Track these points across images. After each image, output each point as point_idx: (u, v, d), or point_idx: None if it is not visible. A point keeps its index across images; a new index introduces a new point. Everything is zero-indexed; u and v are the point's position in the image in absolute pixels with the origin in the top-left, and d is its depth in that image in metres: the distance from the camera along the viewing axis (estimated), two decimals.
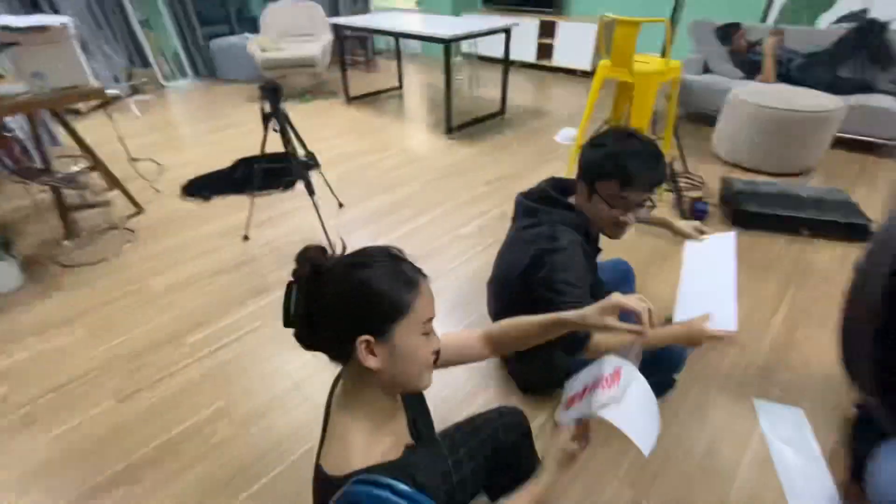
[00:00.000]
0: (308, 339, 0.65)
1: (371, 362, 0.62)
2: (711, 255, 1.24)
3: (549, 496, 0.74)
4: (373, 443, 0.64)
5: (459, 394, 1.47)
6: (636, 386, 0.68)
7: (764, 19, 3.81)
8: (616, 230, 1.17)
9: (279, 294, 0.64)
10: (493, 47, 5.24)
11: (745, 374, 1.51)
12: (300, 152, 2.18)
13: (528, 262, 1.17)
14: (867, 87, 3.05)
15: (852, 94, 2.98)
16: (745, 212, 2.24)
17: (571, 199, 1.22)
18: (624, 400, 0.65)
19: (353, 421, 0.65)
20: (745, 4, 3.88)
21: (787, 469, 1.23)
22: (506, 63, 3.74)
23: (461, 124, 3.66)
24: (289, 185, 2.78)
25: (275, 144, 2.07)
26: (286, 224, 2.42)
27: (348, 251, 0.68)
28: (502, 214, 2.48)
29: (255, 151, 2.19)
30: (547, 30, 5.14)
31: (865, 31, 3.11)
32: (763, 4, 3.80)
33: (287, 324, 0.65)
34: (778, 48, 3.28)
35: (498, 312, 1.41)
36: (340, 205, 2.58)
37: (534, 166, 3.04)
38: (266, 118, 1.95)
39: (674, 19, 2.40)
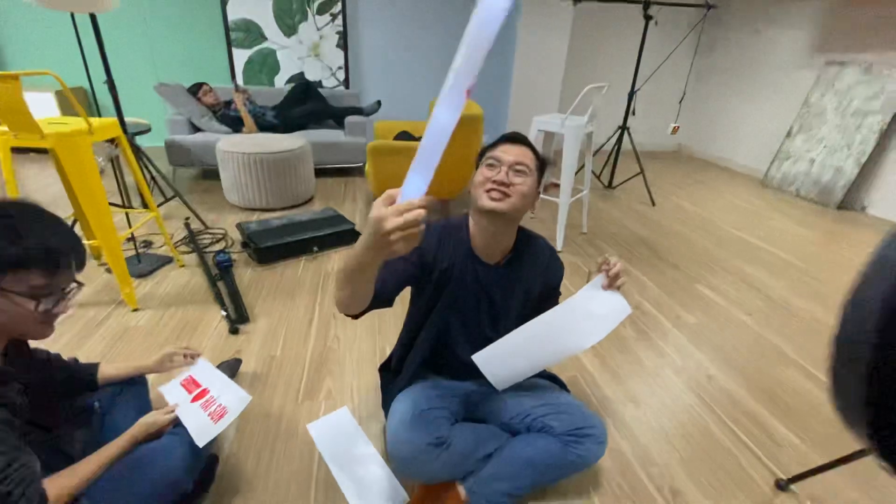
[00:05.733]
0: None
1: None
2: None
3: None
4: None
5: None
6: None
7: (233, 79, 4.22)
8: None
9: None
10: None
11: (294, 402, 1.48)
12: None
13: None
14: (319, 126, 3.92)
15: (312, 130, 3.75)
16: (262, 248, 2.32)
17: None
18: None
19: None
20: (212, 69, 4.17)
21: (347, 477, 1.24)
22: None
23: None
24: None
25: None
26: None
27: None
28: None
29: None
30: None
31: (305, 86, 3.96)
32: (227, 69, 4.20)
33: None
34: (248, 104, 3.69)
35: None
36: None
37: None
38: None
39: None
